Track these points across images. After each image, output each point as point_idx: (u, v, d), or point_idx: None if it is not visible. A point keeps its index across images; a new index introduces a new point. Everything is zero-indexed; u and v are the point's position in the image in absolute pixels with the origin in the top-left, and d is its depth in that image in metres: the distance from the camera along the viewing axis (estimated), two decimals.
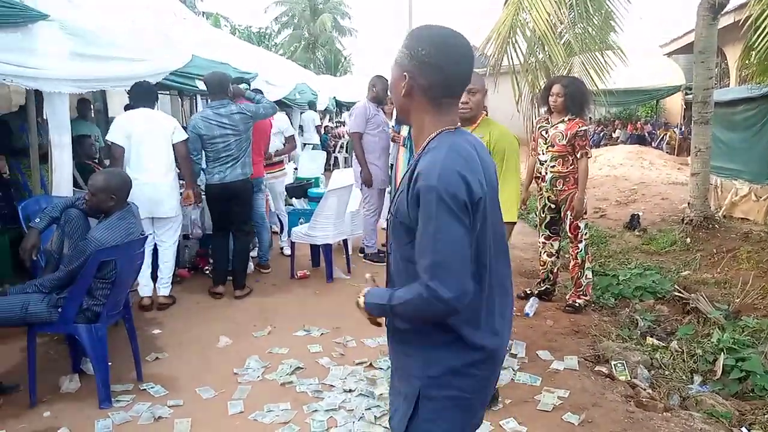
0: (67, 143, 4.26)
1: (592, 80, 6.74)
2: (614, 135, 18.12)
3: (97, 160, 6.29)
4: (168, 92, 9.16)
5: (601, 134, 18.55)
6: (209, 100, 5.16)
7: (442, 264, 1.38)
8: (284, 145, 6.31)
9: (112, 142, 4.49)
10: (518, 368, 3.62)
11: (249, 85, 5.82)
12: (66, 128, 4.23)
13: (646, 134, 17.33)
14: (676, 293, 4.84)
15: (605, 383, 3.45)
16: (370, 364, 3.67)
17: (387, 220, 1.59)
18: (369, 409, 3.12)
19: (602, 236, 7.22)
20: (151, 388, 3.38)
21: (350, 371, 3.58)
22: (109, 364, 3.44)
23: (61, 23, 4.05)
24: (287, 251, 6.23)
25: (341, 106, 17.06)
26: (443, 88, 1.51)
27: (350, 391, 3.34)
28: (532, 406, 3.17)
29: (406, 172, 1.51)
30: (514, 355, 3.78)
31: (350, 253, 5.91)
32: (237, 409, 3.16)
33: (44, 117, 4.41)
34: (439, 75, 1.48)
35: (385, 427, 2.91)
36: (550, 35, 5.35)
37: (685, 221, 6.98)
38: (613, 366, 3.62)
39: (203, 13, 26.42)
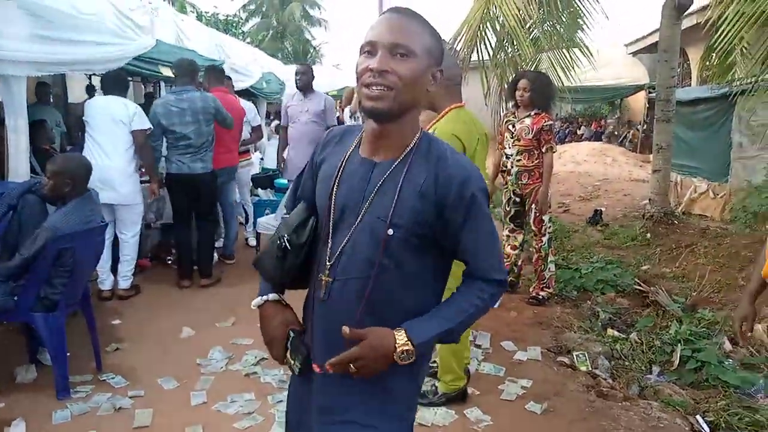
0: (24, 127, 4.12)
1: (559, 77, 6.84)
2: (579, 132, 18.45)
3: (56, 146, 6.11)
4: (131, 78, 8.93)
5: (566, 131, 18.87)
6: (173, 86, 5.06)
7: (501, 258, 1.45)
8: (250, 134, 6.23)
9: None
10: (482, 358, 3.66)
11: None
12: (23, 112, 4.08)
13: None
14: (636, 286, 4.97)
15: (567, 373, 3.52)
16: None
17: (383, 238, 1.32)
18: None
19: (566, 230, 7.34)
20: (111, 378, 3.31)
21: None
22: (68, 354, 3.36)
23: (20, 3, 3.89)
24: (252, 242, 6.18)
25: None
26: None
27: None
28: (496, 395, 3.21)
29: (400, 180, 1.33)
30: (478, 346, 3.83)
31: None
32: (200, 399, 3.12)
33: None
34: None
35: None
36: (519, 31, 5.40)
37: (645, 217, 7.16)
38: (575, 357, 3.70)
39: None
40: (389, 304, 1.35)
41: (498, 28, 5.72)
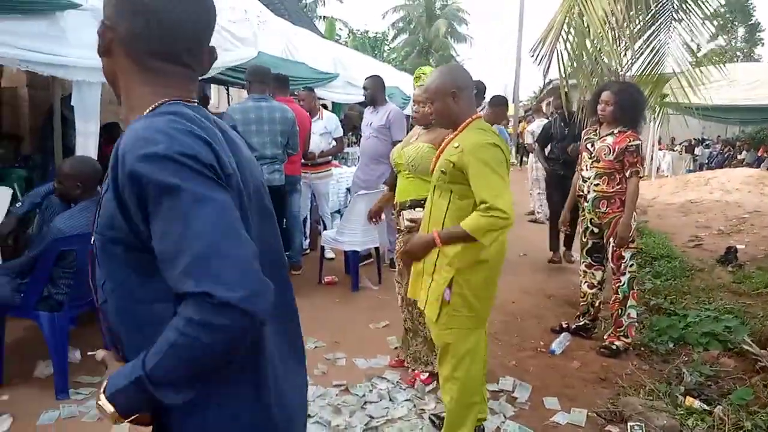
0: (94, 131, 4.29)
1: (686, 95, 5.90)
2: (740, 157, 16.23)
3: None
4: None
5: (725, 155, 16.72)
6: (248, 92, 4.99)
7: (209, 254, 0.90)
8: (331, 145, 6.11)
9: None
10: (511, 415, 3.10)
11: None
12: (94, 116, 4.26)
13: None
14: (745, 346, 4.01)
15: None
16: (346, 388, 3.32)
17: (93, 245, 1.09)
18: None
19: (687, 269, 6.30)
20: None
21: (321, 393, 3.25)
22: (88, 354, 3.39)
23: (94, 12, 4.07)
24: (329, 254, 6.02)
25: None
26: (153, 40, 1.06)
27: (309, 416, 3.01)
28: None
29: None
30: (513, 399, 3.27)
31: (382, 262, 5.55)
32: None
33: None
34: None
35: None
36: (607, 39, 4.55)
37: None
38: (628, 428, 3.00)
39: (322, 17, 27.22)
40: (122, 334, 1.08)
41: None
